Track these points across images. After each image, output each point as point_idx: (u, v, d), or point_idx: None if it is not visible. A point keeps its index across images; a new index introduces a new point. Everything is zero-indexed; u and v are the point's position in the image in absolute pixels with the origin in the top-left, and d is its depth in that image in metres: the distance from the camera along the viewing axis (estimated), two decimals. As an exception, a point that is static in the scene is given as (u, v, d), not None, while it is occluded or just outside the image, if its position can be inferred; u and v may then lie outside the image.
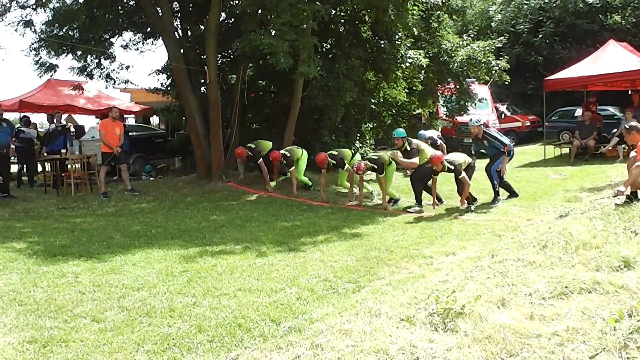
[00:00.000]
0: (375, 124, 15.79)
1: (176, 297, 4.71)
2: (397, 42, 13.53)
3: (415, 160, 9.22)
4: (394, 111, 15.40)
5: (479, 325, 3.20)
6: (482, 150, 9.68)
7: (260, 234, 7.42)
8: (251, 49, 10.85)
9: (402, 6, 11.99)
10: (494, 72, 15.46)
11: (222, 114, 12.89)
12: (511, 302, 3.47)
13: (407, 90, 15.24)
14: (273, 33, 10.81)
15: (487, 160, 9.54)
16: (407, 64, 13.68)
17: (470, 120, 9.83)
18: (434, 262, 5.61)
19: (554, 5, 23.58)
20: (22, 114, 16.15)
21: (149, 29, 15.04)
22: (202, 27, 13.75)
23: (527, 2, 24.38)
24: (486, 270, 4.36)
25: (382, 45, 13.52)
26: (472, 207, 8.62)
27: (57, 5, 13.94)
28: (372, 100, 14.59)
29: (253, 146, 11.47)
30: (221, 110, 12.75)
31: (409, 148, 9.38)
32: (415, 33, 13.64)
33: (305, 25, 10.50)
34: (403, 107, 15.40)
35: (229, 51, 14.83)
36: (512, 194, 9.48)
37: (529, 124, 21.46)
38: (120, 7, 14.35)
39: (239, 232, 7.59)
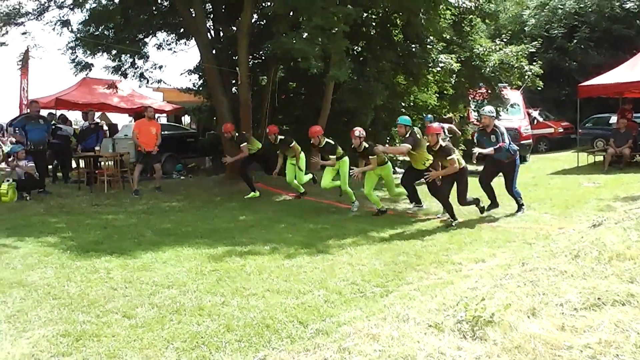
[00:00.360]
0: (405, 128, 15.73)
1: (205, 295, 4.77)
2: (428, 45, 13.46)
3: (404, 147, 8.58)
4: (424, 115, 15.32)
5: (509, 334, 3.17)
6: (486, 144, 8.69)
7: (288, 235, 7.46)
8: (282, 52, 10.91)
9: (434, 10, 11.94)
10: (526, 77, 15.26)
11: (253, 115, 12.99)
12: (542, 312, 3.43)
13: (437, 94, 15.16)
14: (304, 35, 10.87)
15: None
16: (439, 68, 13.60)
17: (483, 109, 9.15)
18: (463, 269, 5.56)
19: (590, 10, 23.20)
20: (58, 111, 16.52)
21: (182, 30, 15.27)
22: (234, 29, 13.88)
23: (562, 7, 24.04)
24: (516, 278, 4.32)
25: (413, 49, 13.46)
26: (484, 213, 8.52)
27: (93, 5, 14.25)
28: (403, 104, 14.54)
29: (245, 133, 11.46)
30: (252, 111, 12.85)
31: (408, 137, 8.82)
32: (447, 37, 13.58)
33: (336, 29, 10.51)
34: (433, 111, 15.32)
35: (260, 52, 14.94)
36: (493, 202, 8.80)
37: (562, 130, 21.16)
38: (154, 8, 14.59)
39: (267, 232, 7.63)
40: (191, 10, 13.30)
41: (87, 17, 14.16)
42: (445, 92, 15.18)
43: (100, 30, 14.14)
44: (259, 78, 15.02)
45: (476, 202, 8.54)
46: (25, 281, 5.20)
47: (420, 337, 3.33)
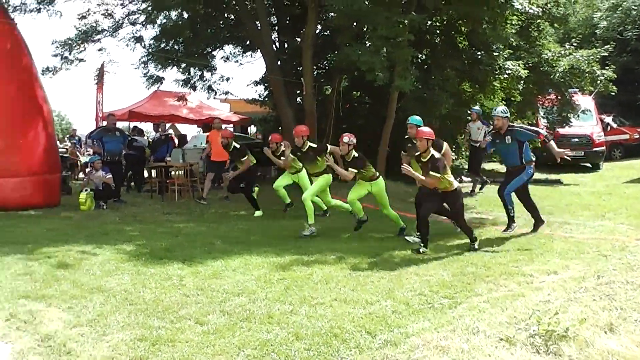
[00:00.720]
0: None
1: (274, 304, 4.84)
2: (494, 52, 13.24)
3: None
4: (491, 123, 15.05)
5: (585, 350, 3.08)
6: (498, 150, 8.01)
7: (354, 244, 7.48)
8: (347, 63, 10.98)
9: (500, 16, 11.74)
10: (598, 82, 14.75)
11: (317, 125, 13.13)
12: (620, 327, 3.32)
13: (504, 101, 14.87)
14: (368, 44, 10.91)
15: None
16: (505, 75, 13.33)
17: (495, 109, 8.03)
18: (534, 281, 5.41)
19: (667, 9, 22.21)
20: (131, 123, 17.24)
21: (248, 42, 15.67)
22: (299, 40, 14.11)
23: (636, 8, 23.07)
24: (591, 292, 4.19)
25: (479, 56, 13.28)
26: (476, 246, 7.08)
27: (164, 21, 14.84)
28: (468, 112, 14.34)
29: (241, 147, 10.59)
30: (316, 121, 12.99)
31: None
32: (514, 43, 13.31)
33: (401, 38, 10.49)
34: (501, 118, 15.02)
35: (325, 63, 15.11)
36: (537, 220, 7.90)
37: (637, 136, 20.30)
38: (221, 22, 15.04)
39: (333, 242, 7.68)
40: (257, 23, 13.63)
41: (158, 33, 14.77)
42: (512, 98, 14.87)
43: (170, 45, 14.71)
44: (323, 88, 15.18)
45: (470, 234, 7.17)
46: (104, 287, 5.42)
47: (491, 351, 3.29)
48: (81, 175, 15.05)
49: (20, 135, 10.58)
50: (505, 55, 13.49)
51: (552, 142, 7.71)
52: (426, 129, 7.07)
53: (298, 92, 13.94)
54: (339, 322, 4.32)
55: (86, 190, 10.82)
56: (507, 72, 13.19)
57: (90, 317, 4.56)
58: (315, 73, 14.28)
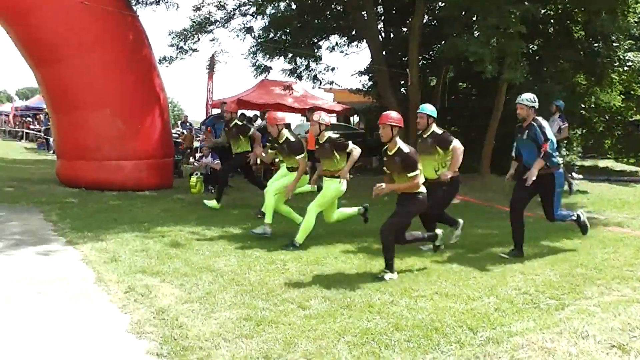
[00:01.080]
0: (584, 131, 14.73)
1: (374, 293, 4.89)
2: (614, 43, 12.44)
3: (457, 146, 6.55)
4: (606, 117, 14.23)
5: None
6: (519, 146, 6.59)
7: (455, 238, 7.36)
8: (455, 54, 10.75)
9: (621, 4, 11.00)
10: None
11: (421, 116, 12.98)
12: None
13: (623, 95, 13.98)
14: (477, 35, 10.62)
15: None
16: (626, 68, 12.50)
17: (520, 97, 6.45)
18: (651, 287, 5.10)
19: None
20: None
21: (354, 33, 15.71)
22: (405, 30, 13.99)
23: None
24: None
25: (596, 47, 12.52)
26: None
27: (273, 12, 15.22)
28: (582, 106, 13.63)
29: (241, 123, 9.78)
30: (421, 112, 12.85)
31: (438, 132, 6.71)
32: (636, 34, 12.45)
33: (512, 29, 10.10)
34: (618, 113, 14.16)
35: (430, 53, 14.88)
36: (517, 247, 6.50)
37: None
38: (328, 13, 15.20)
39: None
40: (363, 13, 13.65)
41: (267, 24, 15.19)
42: (632, 92, 13.95)
43: (278, 35, 15.08)
44: (428, 79, 14.98)
45: (422, 238, 6.09)
46: (212, 266, 5.73)
47: (601, 357, 3.16)
48: (191, 160, 15.82)
49: (139, 121, 11.28)
50: (626, 47, 12.64)
51: (540, 161, 6.18)
52: (393, 113, 5.65)
53: (402, 82, 13.86)
54: (440, 316, 4.30)
55: (196, 174, 11.37)
56: (627, 64, 12.36)
57: (199, 294, 4.83)
58: (420, 64, 14.11)
